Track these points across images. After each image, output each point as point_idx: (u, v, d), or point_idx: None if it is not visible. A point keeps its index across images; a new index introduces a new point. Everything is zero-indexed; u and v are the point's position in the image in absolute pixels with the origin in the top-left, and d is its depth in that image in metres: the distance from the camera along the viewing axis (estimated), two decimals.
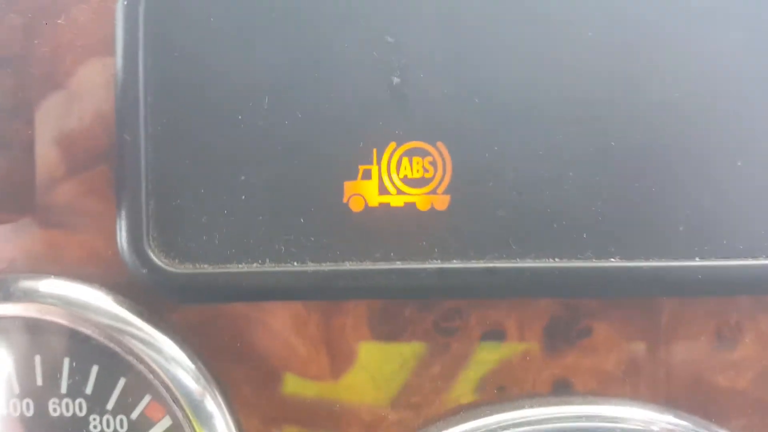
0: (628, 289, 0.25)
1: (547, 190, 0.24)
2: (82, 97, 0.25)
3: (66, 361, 0.25)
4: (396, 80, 0.24)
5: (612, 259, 0.24)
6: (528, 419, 0.25)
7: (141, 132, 0.23)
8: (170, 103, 0.23)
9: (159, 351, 0.25)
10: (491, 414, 0.25)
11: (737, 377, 0.27)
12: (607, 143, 0.24)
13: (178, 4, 0.23)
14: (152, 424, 0.25)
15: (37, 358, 0.25)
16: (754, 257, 0.25)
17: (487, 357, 0.26)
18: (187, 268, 0.24)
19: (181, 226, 0.24)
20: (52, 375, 0.26)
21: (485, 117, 0.24)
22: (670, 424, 0.25)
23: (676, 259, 0.24)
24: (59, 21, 0.24)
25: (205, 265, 0.24)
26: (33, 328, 0.25)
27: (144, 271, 0.23)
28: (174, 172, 0.23)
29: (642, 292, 0.25)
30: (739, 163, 0.24)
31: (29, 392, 0.26)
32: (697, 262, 0.24)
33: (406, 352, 0.26)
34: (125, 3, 0.23)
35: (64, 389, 0.26)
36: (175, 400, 0.25)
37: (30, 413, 0.26)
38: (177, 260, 0.24)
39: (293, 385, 0.26)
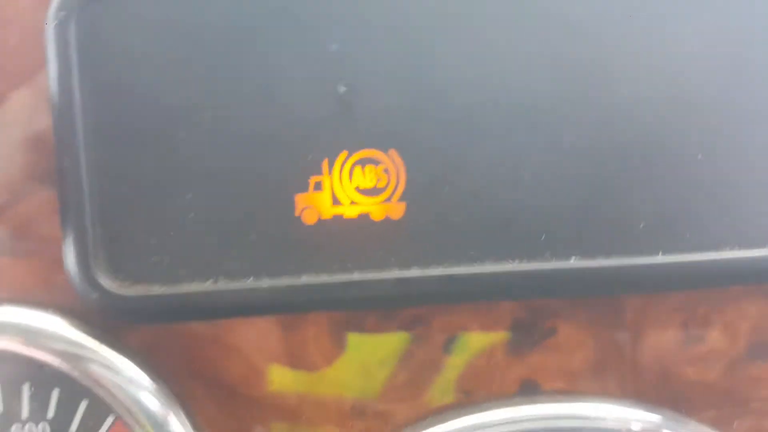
0: (589, 288, 0.25)
1: (503, 193, 0.24)
2: (19, 123, 0.24)
3: (25, 387, 0.25)
4: (342, 89, 0.23)
5: (572, 259, 0.24)
6: (497, 421, 0.25)
7: (81, 156, 0.22)
8: (109, 125, 0.23)
9: (118, 372, 0.25)
10: (459, 417, 0.25)
11: (706, 370, 0.27)
12: (562, 143, 0.24)
13: (112, 23, 0.22)
14: None
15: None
16: (717, 250, 0.25)
17: (452, 362, 0.26)
18: (138, 291, 0.23)
19: (129, 248, 0.23)
20: (11, 401, 0.25)
21: (438, 122, 0.23)
22: (640, 420, 0.26)
23: (638, 255, 0.24)
24: None
25: (157, 286, 0.23)
26: None
27: (94, 295, 0.23)
28: (118, 193, 0.23)
29: (604, 291, 0.25)
30: (699, 157, 0.24)
31: None
32: (660, 258, 0.24)
33: (370, 362, 0.26)
34: (56, 22, 0.22)
35: (25, 414, 0.26)
36: (138, 421, 0.25)
37: None
38: (127, 282, 0.23)
39: (257, 404, 0.26)
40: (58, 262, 0.24)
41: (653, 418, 0.26)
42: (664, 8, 0.24)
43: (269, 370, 0.26)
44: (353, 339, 0.26)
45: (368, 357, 0.26)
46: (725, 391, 0.27)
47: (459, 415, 0.25)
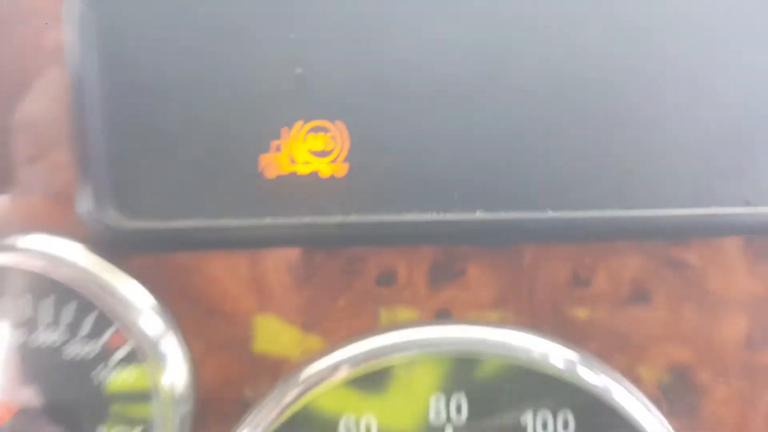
0: (491, 236, 0.31)
1: (424, 158, 0.30)
2: (45, 91, 0.31)
3: (49, 299, 0.31)
4: (299, 70, 0.29)
5: (477, 212, 0.30)
6: (419, 340, 0.32)
7: (96, 119, 0.29)
8: (116, 93, 0.29)
9: (120, 288, 0.31)
10: (387, 333, 0.32)
11: (592, 309, 0.33)
12: (473, 120, 0.30)
13: (119, 8, 0.29)
14: (116, 349, 0.32)
15: (23, 298, 0.32)
16: (600, 208, 0.31)
17: (382, 293, 0.32)
18: (136, 224, 0.30)
19: (131, 190, 0.30)
20: (36, 311, 0.31)
21: (375, 100, 0.30)
22: (536, 349, 0.32)
23: (530, 211, 0.30)
24: (20, 28, 0.30)
25: (152, 221, 0.30)
26: (17, 274, 0.31)
27: (102, 227, 0.30)
28: (125, 147, 0.29)
29: (503, 240, 0.31)
30: (585, 127, 0.30)
31: (18, 325, 0.31)
32: (549, 214, 0.30)
33: (316, 290, 0.32)
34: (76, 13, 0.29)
35: (47, 321, 0.31)
36: (133, 329, 0.31)
37: (21, 341, 0.32)
38: (128, 218, 0.30)
39: (228, 318, 0.32)
40: (75, 202, 0.31)
41: (545, 343, 0.32)
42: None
43: (237, 295, 0.32)
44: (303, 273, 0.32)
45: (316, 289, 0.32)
46: (609, 328, 0.33)
47: (386, 332, 0.31)
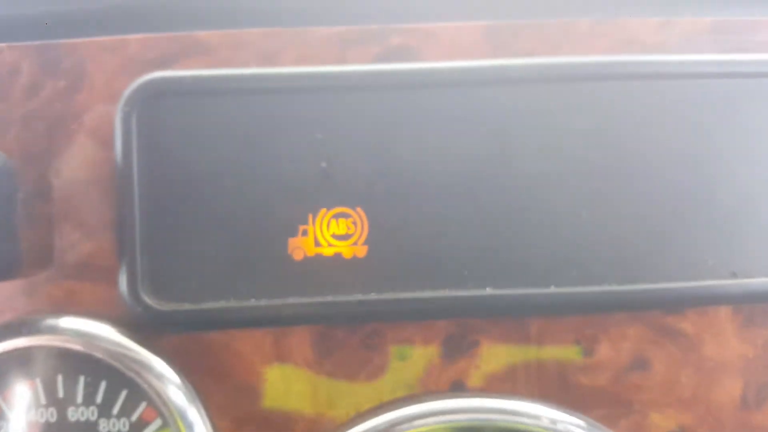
0: (500, 310, 0.34)
1: (437, 241, 0.33)
2: (90, 183, 0.33)
3: (81, 378, 0.33)
4: (324, 164, 0.33)
5: (487, 289, 0.33)
6: (436, 410, 0.34)
7: (136, 208, 0.32)
8: (156, 186, 0.32)
9: (150, 369, 0.33)
10: (407, 406, 0.34)
11: (596, 377, 0.35)
12: (480, 206, 0.33)
13: (161, 113, 0.32)
14: (147, 425, 0.33)
15: (59, 377, 0.34)
16: (599, 283, 0.34)
17: (400, 366, 0.34)
18: (171, 306, 0.32)
19: (166, 275, 0.32)
20: (70, 389, 0.33)
21: (392, 190, 0.33)
22: (546, 416, 0.34)
23: (535, 287, 0.33)
24: (73, 126, 0.34)
25: (185, 304, 0.32)
26: (56, 354, 0.33)
27: (139, 309, 0.32)
28: (160, 237, 0.32)
29: (511, 313, 0.34)
30: (583, 214, 0.33)
31: (53, 402, 0.33)
32: (552, 289, 0.33)
33: (337, 365, 0.34)
34: (122, 114, 0.32)
35: (80, 400, 0.34)
36: (164, 404, 0.33)
37: (53, 419, 0.33)
38: (164, 300, 0.32)
39: (254, 394, 0.34)
40: (113, 286, 0.33)
41: (554, 412, 0.34)
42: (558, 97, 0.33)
43: (263, 372, 0.34)
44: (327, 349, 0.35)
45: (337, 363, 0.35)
46: (612, 395, 0.35)
47: (405, 405, 0.33)
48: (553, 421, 0.33)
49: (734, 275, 0.34)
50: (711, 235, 0.34)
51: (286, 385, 0.34)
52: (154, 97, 0.32)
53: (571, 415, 0.34)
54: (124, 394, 0.34)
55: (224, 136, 0.32)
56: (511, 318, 0.34)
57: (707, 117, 0.34)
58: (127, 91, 0.32)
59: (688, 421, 0.35)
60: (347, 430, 0.33)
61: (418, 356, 0.34)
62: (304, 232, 0.33)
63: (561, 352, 0.35)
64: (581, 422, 0.34)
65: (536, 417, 0.33)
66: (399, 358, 0.34)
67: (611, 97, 0.33)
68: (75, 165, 0.34)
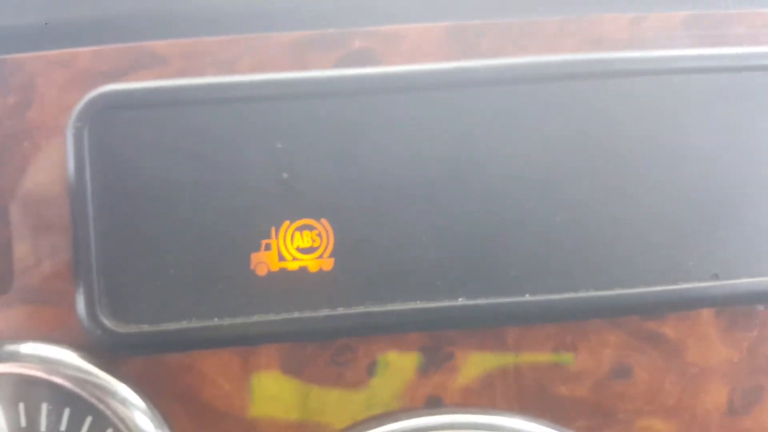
0: (474, 321, 0.33)
1: (406, 252, 0.32)
2: (44, 203, 0.32)
3: (44, 406, 0.33)
4: (285, 175, 0.32)
5: (459, 299, 0.32)
6: (410, 428, 0.33)
7: (90, 228, 0.31)
8: (111, 204, 0.31)
9: (114, 394, 0.32)
10: (381, 426, 0.33)
11: (576, 387, 0.34)
12: (449, 213, 0.32)
13: (114, 128, 0.31)
14: None
15: (21, 405, 0.33)
16: (575, 290, 0.33)
17: (374, 382, 0.33)
18: (131, 328, 0.31)
19: (124, 297, 0.31)
20: (33, 417, 0.32)
21: (356, 200, 0.32)
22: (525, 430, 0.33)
23: (509, 295, 0.32)
24: (25, 144, 0.33)
25: (145, 325, 0.31)
26: (16, 381, 0.32)
27: (99, 332, 0.31)
28: (117, 257, 0.31)
29: (486, 323, 0.33)
30: (557, 219, 0.33)
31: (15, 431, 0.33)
32: (527, 298, 0.32)
33: (309, 383, 0.33)
34: (74, 130, 0.31)
35: (43, 428, 0.33)
36: (130, 431, 0.32)
37: None
38: (123, 322, 0.31)
39: (222, 417, 0.33)
40: (71, 309, 0.32)
41: (534, 426, 0.33)
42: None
43: (232, 392, 0.33)
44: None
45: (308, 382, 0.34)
46: (594, 404, 0.34)
47: (380, 425, 0.32)
48: None
49: (716, 277, 0.33)
50: (691, 236, 0.33)
51: (258, 407, 0.33)
52: (106, 111, 0.31)
53: (551, 428, 0.33)
54: (89, 420, 0.33)
55: (181, 149, 0.31)
56: (487, 328, 0.33)
57: (684, 115, 0.33)
58: (78, 107, 0.31)
59: (674, 430, 0.34)
60: None
61: (392, 371, 0.33)
62: (267, 246, 0.32)
63: (539, 362, 0.34)
64: None
65: (513, 431, 0.33)
66: (372, 374, 0.33)
67: (582, 97, 0.32)
68: (29, 185, 0.33)
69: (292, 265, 0.32)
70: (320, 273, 0.32)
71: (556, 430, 0.33)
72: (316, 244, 0.32)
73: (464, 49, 0.33)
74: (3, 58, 0.32)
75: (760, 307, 0.34)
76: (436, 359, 0.33)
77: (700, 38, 0.34)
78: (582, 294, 0.32)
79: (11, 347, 0.33)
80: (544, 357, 0.34)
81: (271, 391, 0.33)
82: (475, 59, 0.32)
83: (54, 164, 0.32)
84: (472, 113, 0.32)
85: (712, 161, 0.33)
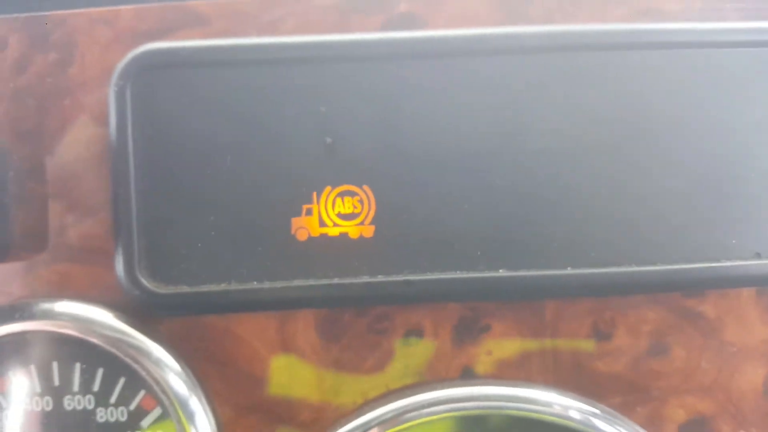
0: (514, 293, 0.33)
1: (448, 220, 0.32)
2: (83, 161, 0.33)
3: (77, 365, 0.33)
4: (329, 140, 0.32)
5: (501, 270, 0.32)
6: (444, 398, 0.33)
7: (131, 187, 0.31)
8: (153, 164, 0.31)
9: (149, 355, 0.33)
10: (414, 395, 0.33)
11: (613, 363, 0.34)
12: (492, 183, 0.32)
13: (157, 87, 0.31)
14: (146, 413, 0.33)
15: (54, 364, 0.33)
16: (617, 264, 0.33)
17: (409, 351, 0.34)
18: (169, 289, 0.32)
19: (164, 257, 0.32)
20: (66, 377, 0.33)
21: (400, 166, 0.32)
22: (558, 404, 0.33)
23: (551, 268, 0.32)
24: (65, 102, 0.33)
25: (184, 287, 0.32)
26: (51, 340, 0.33)
27: (136, 292, 0.31)
28: (158, 215, 0.31)
29: (526, 296, 0.33)
30: (601, 192, 0.32)
31: (48, 391, 0.33)
32: (569, 271, 0.32)
33: (344, 350, 0.34)
34: (116, 88, 0.31)
35: (76, 388, 0.33)
36: (164, 392, 0.33)
37: (49, 408, 0.33)
38: (162, 283, 0.32)
39: (257, 381, 0.34)
40: (109, 268, 0.32)
41: (567, 400, 0.33)
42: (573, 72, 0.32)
43: (267, 357, 0.33)
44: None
45: (344, 349, 0.34)
46: (629, 381, 0.34)
47: (413, 394, 0.33)
48: (566, 408, 0.33)
49: (758, 256, 0.33)
50: (734, 214, 0.33)
51: (290, 372, 0.34)
52: (148, 69, 0.31)
53: (584, 402, 0.33)
54: (122, 381, 0.33)
55: (223, 111, 0.31)
56: (526, 301, 0.34)
57: (732, 90, 0.33)
58: (121, 64, 0.31)
59: (708, 409, 0.35)
60: (354, 419, 0.32)
61: (428, 341, 0.34)
62: (308, 212, 0.32)
63: (577, 337, 0.34)
64: (595, 410, 0.33)
65: (548, 404, 0.33)
66: (408, 343, 0.34)
67: (631, 69, 0.32)
68: (68, 143, 0.33)
69: (333, 231, 0.32)
70: (361, 240, 0.32)
71: (591, 405, 0.33)
72: (357, 211, 0.32)
73: (511, 14, 0.33)
74: (45, 14, 0.33)
75: None
76: (472, 330, 0.34)
77: (747, 12, 0.34)
78: (624, 268, 0.32)
79: (46, 305, 0.33)
80: (582, 332, 0.34)
81: (306, 358, 0.33)
82: (523, 26, 0.32)
83: (95, 123, 0.33)
84: (518, 81, 0.32)
85: (760, 139, 0.33)
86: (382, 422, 0.32)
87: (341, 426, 0.33)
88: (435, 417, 0.32)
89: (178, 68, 0.31)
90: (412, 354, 0.34)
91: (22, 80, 0.33)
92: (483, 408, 0.32)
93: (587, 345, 0.34)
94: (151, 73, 0.31)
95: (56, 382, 0.33)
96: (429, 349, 0.34)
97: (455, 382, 0.33)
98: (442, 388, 0.33)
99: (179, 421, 0.32)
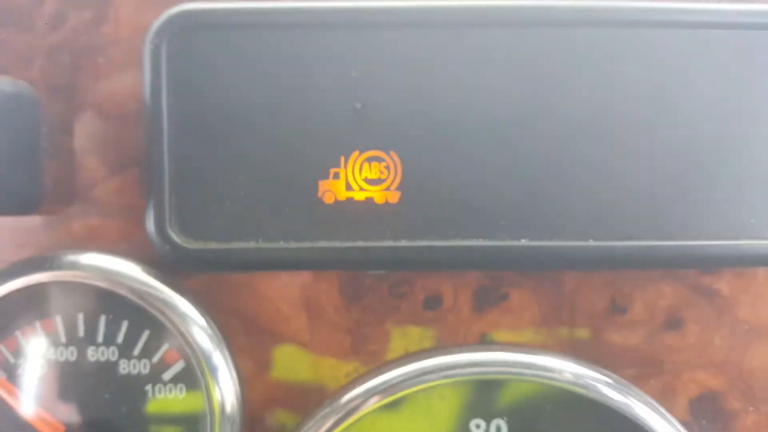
0: (535, 263, 0.34)
1: (472, 188, 0.33)
2: (116, 118, 0.34)
3: (102, 317, 0.34)
4: (358, 105, 0.33)
5: (522, 240, 0.33)
6: (463, 362, 0.34)
7: (164, 144, 0.32)
8: (186, 122, 0.32)
9: (174, 308, 0.34)
10: (432, 357, 0.34)
11: (629, 335, 0.36)
12: (518, 154, 0.33)
13: (192, 47, 0.32)
14: (169, 367, 0.34)
15: (80, 315, 0.34)
16: (637, 239, 0.34)
17: (429, 315, 0.35)
18: (198, 245, 0.32)
19: (195, 213, 0.32)
20: (91, 328, 0.34)
21: (427, 133, 0.33)
22: (571, 372, 0.34)
23: (572, 239, 0.33)
24: (99, 59, 0.34)
25: (213, 243, 0.33)
26: (78, 291, 0.34)
27: (166, 247, 0.32)
28: (189, 172, 0.32)
29: (546, 266, 0.34)
30: (623, 165, 0.33)
31: (73, 341, 0.34)
32: (590, 243, 0.33)
33: (365, 312, 0.35)
34: (151, 47, 0.32)
35: (100, 339, 0.34)
36: (188, 345, 0.34)
37: (73, 358, 0.34)
38: (191, 239, 0.33)
39: (279, 338, 0.35)
40: (139, 223, 0.33)
41: (583, 369, 0.35)
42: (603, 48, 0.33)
43: (290, 316, 0.35)
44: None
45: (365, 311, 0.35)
46: (643, 354, 0.36)
47: (430, 357, 0.34)
48: (579, 377, 0.34)
49: None
50: (754, 193, 0.34)
51: (312, 329, 0.35)
52: (184, 29, 0.32)
53: (598, 372, 0.34)
54: (146, 334, 0.34)
55: (257, 73, 0.32)
56: (545, 272, 0.35)
57: (758, 66, 0.33)
58: (156, 23, 0.32)
59: (719, 385, 0.36)
60: (373, 378, 0.33)
61: (447, 307, 0.35)
62: (336, 175, 0.33)
63: (594, 308, 0.35)
64: (607, 379, 0.34)
65: (561, 372, 0.34)
66: (427, 307, 0.35)
67: (659, 45, 0.33)
68: (101, 99, 0.34)
69: (359, 196, 0.33)
70: (386, 205, 0.33)
71: (604, 375, 0.34)
72: (383, 176, 0.33)
73: None
74: None
75: None
76: (491, 298, 0.35)
77: None
78: (643, 242, 0.33)
79: (72, 257, 0.34)
80: (600, 304, 0.35)
81: (328, 319, 0.35)
82: None
83: (128, 80, 0.34)
84: (548, 54, 0.33)
85: None
86: (398, 383, 0.34)
87: (356, 386, 0.34)
88: (451, 381, 0.34)
89: (214, 29, 0.32)
90: (432, 319, 0.35)
91: (57, 36, 0.34)
92: (498, 373, 0.34)
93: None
94: (186, 33, 0.32)
95: (81, 333, 0.34)
96: (449, 314, 0.35)
97: (473, 347, 0.34)
98: (460, 352, 0.34)
99: (203, 374, 0.34)
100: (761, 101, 0.33)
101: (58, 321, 0.34)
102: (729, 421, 0.36)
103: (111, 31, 0.34)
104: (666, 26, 0.33)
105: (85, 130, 0.34)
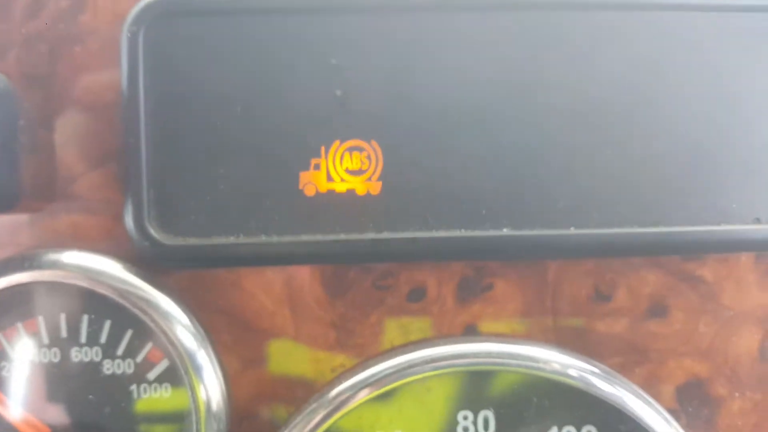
0: (518, 253, 0.34)
1: (454, 178, 0.33)
2: (94, 110, 0.34)
3: (85, 317, 0.34)
4: (339, 92, 0.33)
5: (504, 230, 0.33)
6: (449, 353, 0.34)
7: (142, 137, 0.32)
8: (164, 114, 0.32)
9: (157, 307, 0.33)
10: (419, 350, 0.34)
11: (613, 324, 0.36)
12: (500, 142, 0.33)
13: (169, 35, 0.32)
14: (153, 366, 0.34)
15: (62, 316, 0.34)
16: (619, 227, 0.34)
17: (413, 308, 0.35)
18: (178, 241, 0.32)
19: (174, 209, 0.32)
20: (74, 328, 0.34)
21: (409, 122, 0.33)
22: (558, 362, 0.35)
23: (554, 228, 0.33)
24: (77, 48, 0.34)
25: (193, 238, 0.33)
26: (58, 291, 0.34)
27: (146, 243, 0.32)
28: (168, 167, 0.32)
29: (529, 255, 0.34)
30: (605, 152, 0.33)
31: (56, 343, 0.34)
32: (572, 231, 0.34)
33: (349, 306, 0.35)
34: (128, 35, 0.32)
35: (83, 339, 0.34)
36: (171, 344, 0.33)
37: (57, 359, 0.34)
38: (171, 235, 0.32)
39: (264, 334, 0.35)
40: (118, 219, 0.33)
41: (567, 358, 0.35)
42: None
43: (273, 311, 0.35)
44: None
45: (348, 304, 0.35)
46: (628, 342, 0.36)
47: (416, 349, 0.34)
48: (565, 366, 0.34)
49: (758, 221, 0.34)
50: (735, 178, 0.34)
51: (296, 324, 0.35)
52: (162, 17, 0.32)
53: (586, 362, 0.35)
54: (129, 334, 0.34)
55: (236, 61, 0.32)
56: (529, 261, 0.35)
57: (738, 53, 0.34)
58: (134, 11, 0.32)
59: (705, 372, 0.36)
60: (358, 372, 0.33)
61: (432, 299, 0.35)
62: (317, 166, 0.33)
63: (578, 296, 0.35)
64: (594, 369, 0.34)
65: (547, 362, 0.34)
66: (411, 299, 0.35)
67: (641, 30, 0.33)
68: (79, 90, 0.34)
69: (340, 187, 0.33)
70: (367, 196, 0.33)
71: (590, 364, 0.34)
72: (364, 167, 0.33)
73: None
74: None
75: None
76: (475, 289, 0.35)
77: None
78: (625, 229, 0.33)
79: (53, 256, 0.34)
80: (583, 292, 0.35)
81: (312, 313, 0.35)
82: None
83: (107, 70, 0.33)
84: (528, 40, 0.33)
85: (761, 106, 0.34)
86: (385, 376, 0.34)
87: (344, 380, 0.34)
88: (437, 373, 0.34)
89: (191, 16, 0.32)
90: (416, 311, 0.35)
91: (34, 25, 0.34)
92: (484, 365, 0.34)
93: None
94: (163, 21, 0.32)
95: (64, 333, 0.34)
96: (433, 306, 0.35)
97: (458, 339, 0.34)
98: (445, 344, 0.34)
99: (187, 373, 0.34)
100: (741, 87, 0.34)
101: (41, 321, 0.34)
102: (715, 407, 0.36)
103: (89, 19, 0.34)
104: (645, 10, 0.33)
105: (63, 123, 0.34)
